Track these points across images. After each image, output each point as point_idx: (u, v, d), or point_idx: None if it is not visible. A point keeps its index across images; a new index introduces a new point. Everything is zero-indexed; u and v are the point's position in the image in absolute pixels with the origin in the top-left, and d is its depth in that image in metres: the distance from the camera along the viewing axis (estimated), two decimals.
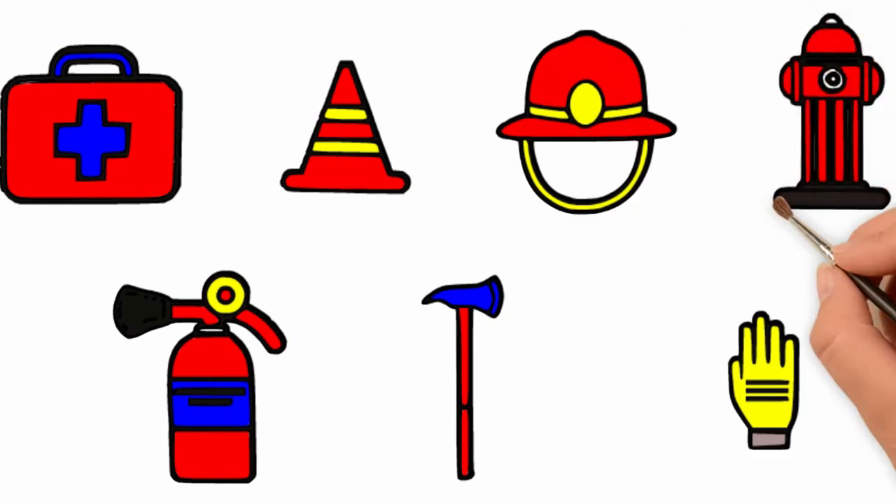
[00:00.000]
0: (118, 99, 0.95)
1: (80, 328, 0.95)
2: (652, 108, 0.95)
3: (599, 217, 0.95)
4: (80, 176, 0.95)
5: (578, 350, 0.95)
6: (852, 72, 0.94)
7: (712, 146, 0.94)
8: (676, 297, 0.94)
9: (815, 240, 0.91)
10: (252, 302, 0.95)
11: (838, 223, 0.94)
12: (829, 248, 0.90)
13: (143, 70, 0.95)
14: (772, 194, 0.94)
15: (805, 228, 0.92)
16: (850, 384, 0.85)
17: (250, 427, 0.95)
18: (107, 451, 0.95)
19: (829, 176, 0.94)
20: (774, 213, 0.93)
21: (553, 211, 0.95)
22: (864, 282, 0.88)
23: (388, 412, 0.95)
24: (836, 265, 0.89)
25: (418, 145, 0.95)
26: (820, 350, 0.87)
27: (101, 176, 0.95)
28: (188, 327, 0.95)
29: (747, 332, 0.94)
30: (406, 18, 0.95)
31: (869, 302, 0.88)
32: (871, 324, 0.86)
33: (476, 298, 0.95)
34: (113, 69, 0.95)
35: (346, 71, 0.95)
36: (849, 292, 0.88)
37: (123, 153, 0.95)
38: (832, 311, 0.87)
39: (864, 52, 0.94)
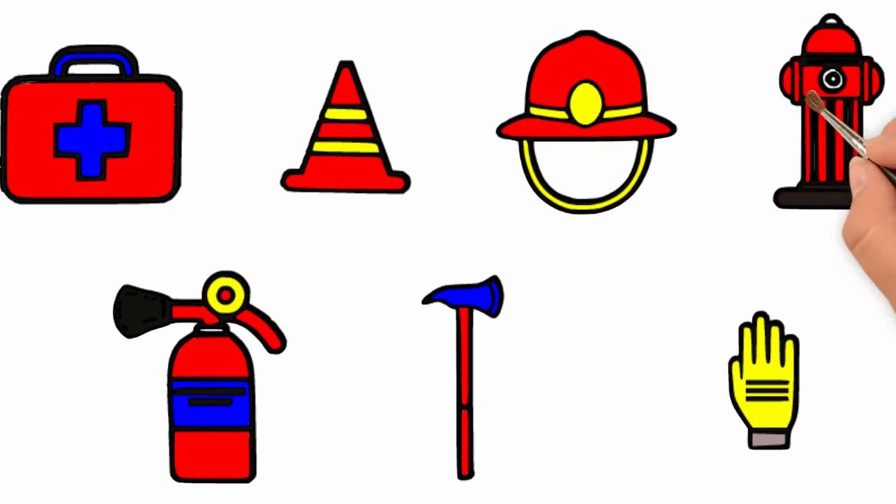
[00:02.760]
0: (118, 99, 0.95)
1: (80, 328, 0.95)
2: (652, 108, 0.95)
3: (599, 217, 0.95)
4: (80, 176, 0.95)
5: (578, 350, 0.95)
6: (852, 72, 0.94)
7: (712, 146, 0.94)
8: (676, 297, 0.94)
9: (847, 132, 0.90)
10: (252, 302, 0.95)
11: (838, 223, 0.94)
12: (861, 142, 0.90)
13: (143, 70, 0.95)
14: (772, 194, 0.94)
15: (837, 121, 0.91)
16: (883, 276, 0.85)
17: (250, 427, 0.95)
18: (107, 451, 0.95)
19: (829, 176, 0.94)
20: (808, 106, 0.92)
21: (553, 211, 0.95)
22: None
23: (388, 412, 0.95)
24: (869, 159, 0.88)
25: (418, 145, 0.95)
26: (853, 243, 0.87)
27: (101, 176, 0.95)
28: (188, 327, 0.95)
29: (747, 332, 0.94)
30: (406, 18, 0.95)
31: None
32: None
33: (476, 298, 0.95)
34: (113, 69, 0.95)
35: (346, 71, 0.95)
36: (882, 185, 0.87)
37: (123, 153, 0.95)
38: (865, 203, 0.87)
39: (864, 52, 0.94)
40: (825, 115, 0.91)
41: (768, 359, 0.94)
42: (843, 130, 0.90)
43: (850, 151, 0.94)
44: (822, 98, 0.93)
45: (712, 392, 0.95)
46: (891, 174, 0.87)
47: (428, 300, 0.95)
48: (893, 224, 0.85)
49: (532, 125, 0.95)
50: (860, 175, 0.88)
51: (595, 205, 0.95)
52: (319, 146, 0.95)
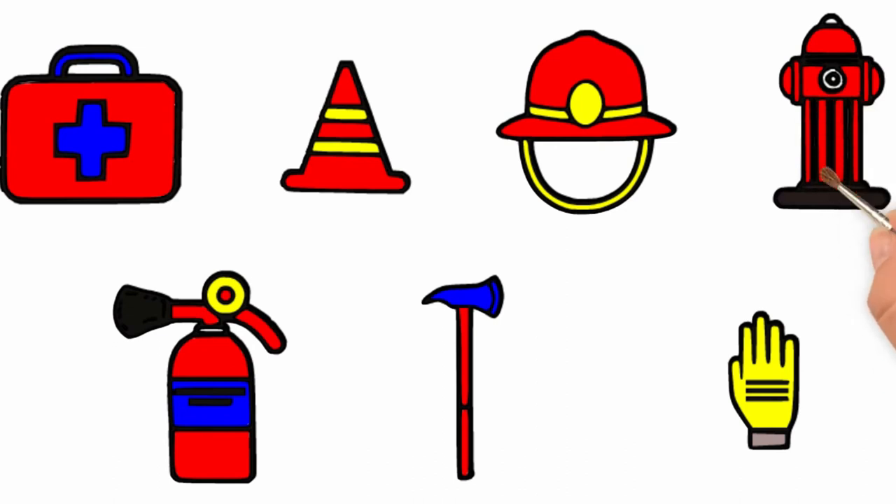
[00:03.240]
0: (118, 99, 0.95)
1: (80, 328, 0.95)
2: (652, 108, 0.95)
3: (599, 217, 0.95)
4: (80, 176, 0.95)
5: (578, 350, 0.95)
6: (852, 72, 0.94)
7: (712, 146, 0.94)
8: (676, 297, 0.94)
9: (866, 207, 0.91)
10: (252, 302, 0.95)
11: (838, 223, 0.94)
12: (882, 215, 0.90)
13: (143, 70, 0.95)
14: (772, 194, 0.94)
15: (856, 197, 0.91)
16: None
17: (250, 427, 0.95)
18: (107, 451, 0.95)
19: None
20: (823, 181, 0.93)
21: (553, 211, 0.95)
22: None
23: (388, 412, 0.95)
24: (892, 230, 0.89)
25: (418, 145, 0.95)
26: (879, 313, 0.88)
27: (101, 176, 0.95)
28: (188, 327, 0.95)
29: (747, 332, 0.94)
30: (406, 18, 0.95)
31: None
32: None
33: (476, 298, 0.95)
34: (113, 69, 0.95)
35: (346, 71, 0.95)
36: None
37: (123, 153, 0.95)
38: (891, 274, 0.88)
39: (864, 52, 0.94)
40: (843, 190, 0.92)
41: (768, 359, 0.94)
42: (863, 205, 0.91)
43: (850, 152, 0.94)
44: (831, 175, 0.93)
45: (712, 392, 0.95)
46: None
47: (428, 300, 0.95)
48: None
49: (532, 125, 0.95)
50: (883, 246, 0.90)
51: (595, 205, 0.95)
52: (319, 146, 0.95)
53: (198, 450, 0.95)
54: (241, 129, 0.95)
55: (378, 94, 0.95)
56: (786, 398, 0.94)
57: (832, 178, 0.92)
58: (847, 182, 0.94)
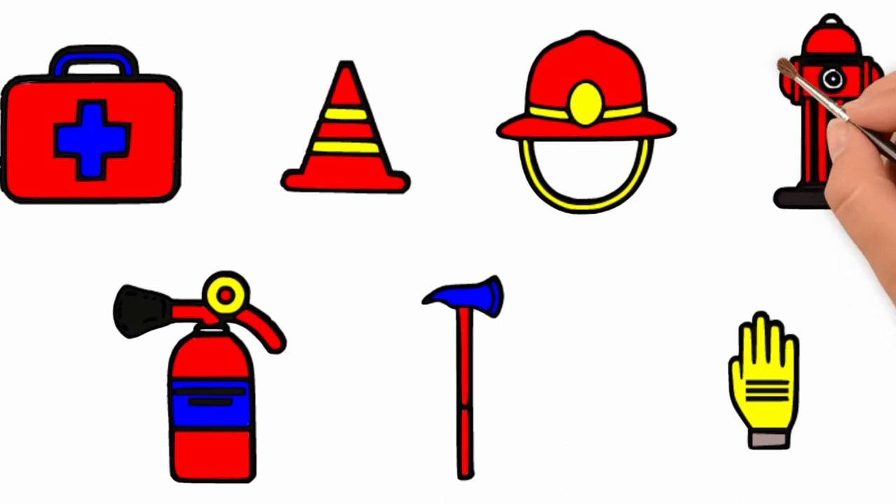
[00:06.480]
0: (118, 99, 0.95)
1: (80, 328, 0.95)
2: (652, 108, 0.95)
3: (599, 217, 0.95)
4: (80, 176, 0.95)
5: (578, 350, 0.95)
6: (852, 72, 0.94)
7: (712, 146, 0.94)
8: (676, 297, 0.94)
9: (824, 98, 0.89)
10: (252, 302, 0.95)
11: (838, 223, 0.94)
12: (839, 105, 0.88)
13: (143, 70, 0.95)
14: (772, 194, 0.94)
15: (813, 88, 0.90)
16: (867, 238, 0.83)
17: (250, 427, 0.95)
18: (107, 451, 0.95)
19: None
20: (780, 71, 0.92)
21: (553, 211, 0.95)
22: (878, 137, 0.86)
23: (388, 412, 0.95)
24: (849, 121, 0.87)
25: (418, 145, 0.95)
26: (836, 204, 0.85)
27: (101, 176, 0.95)
28: (188, 327, 0.96)
29: (747, 332, 0.94)
30: (406, 18, 0.95)
31: (882, 157, 0.86)
32: (887, 177, 0.85)
33: (476, 298, 0.95)
34: (113, 69, 0.95)
35: (346, 71, 0.95)
36: (864, 146, 0.86)
37: (123, 153, 0.95)
38: (847, 165, 0.85)
39: (864, 52, 0.94)
40: (800, 81, 0.91)
41: (768, 359, 0.94)
42: (819, 96, 0.90)
43: None
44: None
45: (712, 392, 0.95)
46: (871, 136, 0.86)
47: (428, 300, 0.95)
48: (879, 184, 0.83)
49: (532, 125, 0.95)
50: (839, 137, 0.87)
51: (595, 205, 0.95)
52: (319, 146, 0.95)
53: (198, 450, 0.95)
54: (241, 129, 0.95)
55: (378, 94, 0.95)
56: (786, 398, 0.94)
57: (789, 69, 0.91)
58: None
